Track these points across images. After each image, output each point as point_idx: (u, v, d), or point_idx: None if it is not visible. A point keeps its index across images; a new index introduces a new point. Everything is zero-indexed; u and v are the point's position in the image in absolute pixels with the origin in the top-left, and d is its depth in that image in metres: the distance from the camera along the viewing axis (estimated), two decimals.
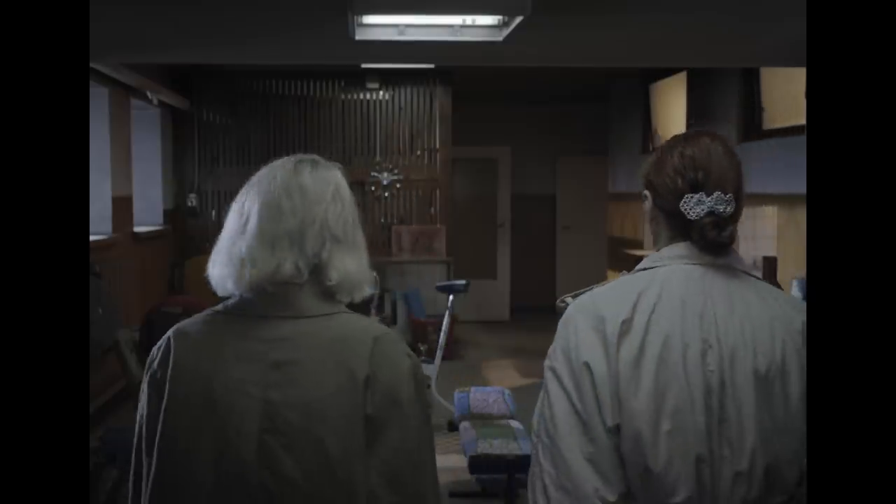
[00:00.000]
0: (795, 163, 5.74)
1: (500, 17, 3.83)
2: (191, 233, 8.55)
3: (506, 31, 3.90)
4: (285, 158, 1.57)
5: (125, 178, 6.83)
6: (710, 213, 1.52)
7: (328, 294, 1.50)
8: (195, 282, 8.05)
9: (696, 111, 7.43)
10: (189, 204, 8.53)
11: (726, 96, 6.94)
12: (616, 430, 1.46)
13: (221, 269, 1.50)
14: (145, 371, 1.53)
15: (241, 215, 1.50)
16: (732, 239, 1.55)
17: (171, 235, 8.22)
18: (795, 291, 5.44)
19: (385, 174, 8.59)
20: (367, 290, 1.54)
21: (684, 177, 1.54)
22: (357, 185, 8.63)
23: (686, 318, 1.49)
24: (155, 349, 1.54)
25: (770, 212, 6.43)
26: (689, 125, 7.53)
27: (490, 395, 4.87)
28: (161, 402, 1.48)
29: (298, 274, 1.46)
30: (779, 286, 6.06)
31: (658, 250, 1.60)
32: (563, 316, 1.58)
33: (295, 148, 8.57)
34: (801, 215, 5.81)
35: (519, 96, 9.95)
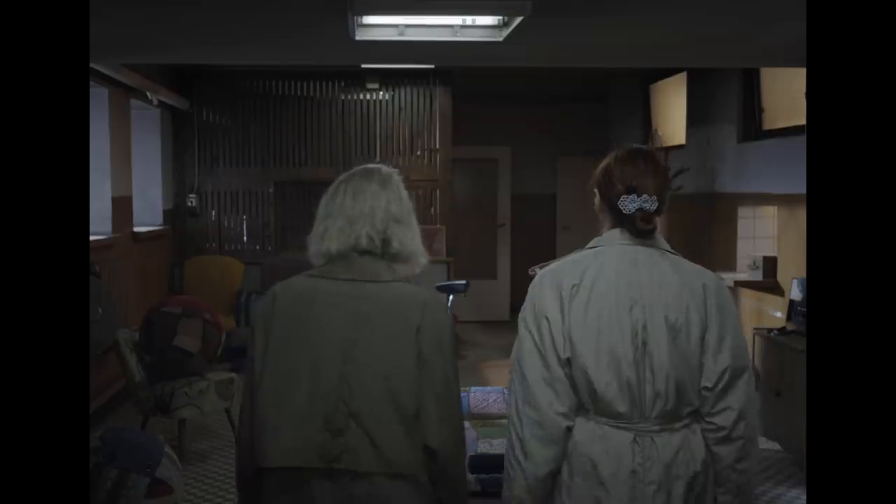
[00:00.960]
0: (795, 163, 5.74)
1: (500, 18, 3.83)
2: (191, 233, 8.55)
3: (506, 32, 3.90)
4: (360, 167, 2.15)
5: (125, 178, 6.83)
6: (640, 209, 2.10)
7: (393, 266, 2.05)
8: (195, 281, 8.05)
9: (696, 111, 7.43)
10: (189, 204, 8.52)
11: (726, 96, 6.94)
12: (567, 362, 2.06)
13: (317, 244, 2.07)
14: (256, 317, 2.06)
15: (331, 206, 2.08)
16: (655, 227, 2.14)
17: (170, 235, 8.22)
18: (795, 291, 5.44)
19: None
20: (423, 260, 2.10)
21: (623, 184, 2.12)
22: None
23: (619, 284, 2.08)
24: (262, 301, 2.06)
25: (770, 212, 6.43)
26: (689, 126, 7.54)
27: (490, 395, 4.87)
28: (268, 340, 2.00)
29: (372, 244, 2.02)
30: (779, 286, 6.02)
31: (602, 234, 2.19)
32: (534, 280, 2.18)
33: (295, 148, 8.58)
34: (801, 215, 5.81)
35: (519, 96, 9.95)
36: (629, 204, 2.10)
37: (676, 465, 2.03)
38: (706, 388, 2.05)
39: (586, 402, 2.07)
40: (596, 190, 2.21)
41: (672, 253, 2.16)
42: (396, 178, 2.13)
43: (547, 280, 2.13)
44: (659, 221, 2.15)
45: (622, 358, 2.03)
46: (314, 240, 2.08)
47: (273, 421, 1.95)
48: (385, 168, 2.15)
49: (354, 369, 1.95)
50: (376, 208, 2.04)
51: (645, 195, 2.10)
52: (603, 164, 2.21)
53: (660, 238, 2.17)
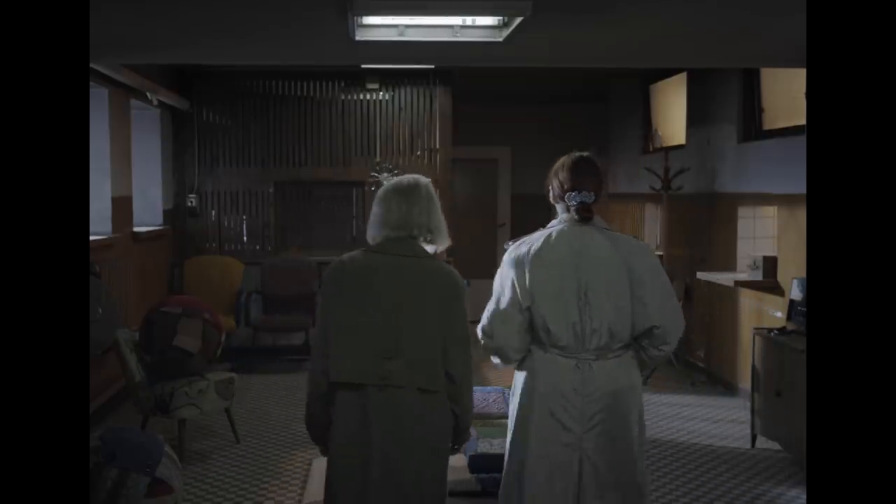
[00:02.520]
0: (795, 163, 5.74)
1: (500, 18, 3.83)
2: (191, 233, 8.55)
3: (506, 32, 3.91)
4: (403, 177, 2.93)
5: (125, 178, 6.82)
6: (581, 202, 2.88)
7: (426, 245, 2.84)
8: (195, 281, 8.05)
9: (696, 111, 7.43)
10: (189, 204, 8.52)
11: (726, 96, 6.94)
12: (528, 310, 2.86)
13: (372, 231, 2.85)
14: (323, 287, 2.86)
15: (384, 206, 2.84)
16: (593, 214, 2.91)
17: (170, 235, 8.21)
18: (795, 291, 5.44)
19: (385, 174, 8.59)
20: (447, 241, 2.89)
21: (570, 184, 2.91)
22: (357, 186, 8.64)
23: (569, 253, 2.85)
24: (330, 269, 2.82)
25: (770, 212, 6.43)
26: (689, 126, 7.54)
27: (490, 394, 4.87)
28: (338, 298, 2.78)
29: (412, 230, 2.81)
30: (779, 286, 6.01)
31: (556, 218, 2.96)
32: (506, 253, 2.96)
33: (295, 148, 8.58)
34: (801, 215, 5.81)
35: (519, 96, 9.95)
36: (573, 198, 2.89)
37: (607, 384, 2.83)
38: (655, 328, 2.82)
39: (543, 337, 2.87)
40: (550, 187, 2.99)
41: (608, 229, 2.92)
42: (431, 187, 2.92)
43: (515, 251, 2.92)
44: (596, 209, 2.91)
45: (570, 305, 2.82)
46: (372, 227, 2.86)
47: (344, 352, 2.75)
48: (423, 179, 2.93)
49: (400, 317, 2.74)
50: (420, 208, 2.84)
51: (585, 192, 2.88)
52: (554, 167, 2.99)
53: (598, 219, 2.93)
